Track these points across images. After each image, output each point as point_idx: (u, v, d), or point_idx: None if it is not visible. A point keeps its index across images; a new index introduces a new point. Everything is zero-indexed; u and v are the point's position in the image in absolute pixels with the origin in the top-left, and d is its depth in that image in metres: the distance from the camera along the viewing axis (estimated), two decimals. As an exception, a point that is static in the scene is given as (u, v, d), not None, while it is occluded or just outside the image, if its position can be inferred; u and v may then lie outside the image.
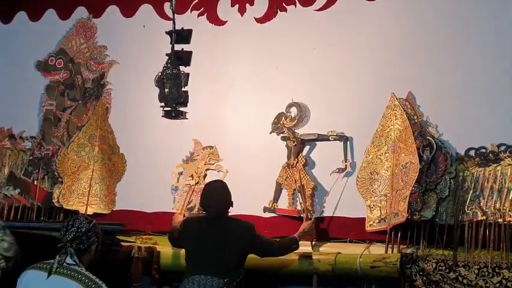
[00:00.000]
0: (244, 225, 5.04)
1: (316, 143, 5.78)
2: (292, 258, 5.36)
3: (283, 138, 5.87)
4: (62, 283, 3.89)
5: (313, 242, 5.53)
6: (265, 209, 5.83)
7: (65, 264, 3.92)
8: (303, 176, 5.73)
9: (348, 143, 5.63)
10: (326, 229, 5.62)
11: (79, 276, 3.91)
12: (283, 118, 5.89)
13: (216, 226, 4.98)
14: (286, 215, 5.75)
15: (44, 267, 3.89)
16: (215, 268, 4.82)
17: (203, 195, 5.16)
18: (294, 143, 5.80)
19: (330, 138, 5.70)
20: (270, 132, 5.91)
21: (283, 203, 5.79)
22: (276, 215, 5.79)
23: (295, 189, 5.72)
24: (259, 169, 5.87)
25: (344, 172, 5.59)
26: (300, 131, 5.83)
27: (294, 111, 5.88)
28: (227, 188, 5.15)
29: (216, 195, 5.07)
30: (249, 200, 5.75)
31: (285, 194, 5.80)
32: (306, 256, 5.36)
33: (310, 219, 5.55)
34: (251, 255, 5.04)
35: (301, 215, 5.63)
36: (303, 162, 5.77)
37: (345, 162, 5.60)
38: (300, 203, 5.68)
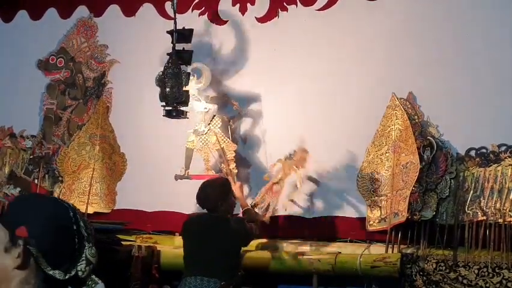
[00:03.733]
0: (237, 223, 5.01)
1: None
2: (293, 258, 5.38)
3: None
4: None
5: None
6: (177, 177, 5.76)
7: None
8: (221, 139, 5.65)
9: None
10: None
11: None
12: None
13: (212, 227, 4.96)
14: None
15: None
16: (211, 270, 4.79)
17: (198, 191, 5.15)
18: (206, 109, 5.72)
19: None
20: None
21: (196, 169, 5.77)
22: (190, 181, 5.70)
23: (209, 154, 5.64)
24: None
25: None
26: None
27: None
28: (224, 184, 5.09)
29: (209, 189, 5.05)
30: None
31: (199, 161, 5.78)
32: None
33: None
34: (252, 255, 5.06)
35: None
36: (219, 125, 5.72)
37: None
38: (222, 167, 5.60)
